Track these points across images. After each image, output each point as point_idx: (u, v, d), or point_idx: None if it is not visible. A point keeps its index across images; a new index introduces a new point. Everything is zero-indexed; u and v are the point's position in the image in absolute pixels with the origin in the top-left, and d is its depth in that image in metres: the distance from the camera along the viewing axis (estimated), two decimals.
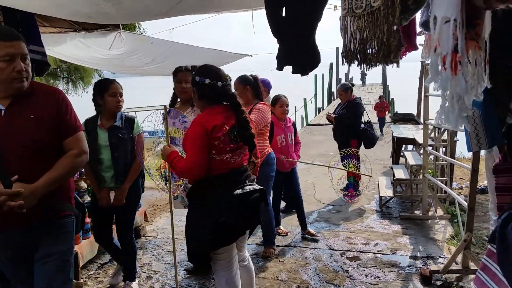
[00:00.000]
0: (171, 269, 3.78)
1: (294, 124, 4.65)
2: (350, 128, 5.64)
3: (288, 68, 2.49)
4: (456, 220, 4.54)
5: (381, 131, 12.10)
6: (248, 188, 2.39)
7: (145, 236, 4.65)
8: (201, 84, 2.37)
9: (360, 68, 1.83)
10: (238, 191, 2.33)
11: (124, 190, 3.10)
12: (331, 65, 29.25)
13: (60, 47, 4.88)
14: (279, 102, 4.32)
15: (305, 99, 18.42)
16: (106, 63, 5.41)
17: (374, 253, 3.98)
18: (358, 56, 1.78)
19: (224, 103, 2.45)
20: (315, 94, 22.22)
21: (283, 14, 2.39)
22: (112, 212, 3.22)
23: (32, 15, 3.19)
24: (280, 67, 2.48)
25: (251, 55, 6.74)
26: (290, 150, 4.38)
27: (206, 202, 2.35)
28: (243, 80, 3.69)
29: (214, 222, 2.25)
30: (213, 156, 2.32)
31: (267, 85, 4.62)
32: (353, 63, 1.83)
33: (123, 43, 4.75)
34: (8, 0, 2.79)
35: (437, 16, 1.42)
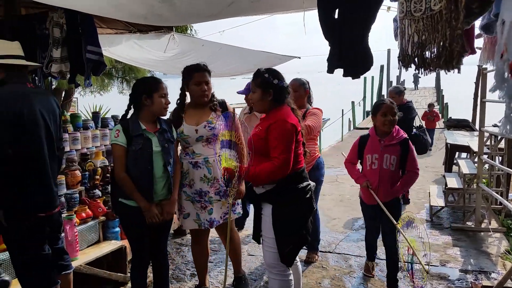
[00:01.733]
0: (215, 268, 3.82)
1: (406, 144, 3.20)
2: None
3: (336, 70, 2.45)
4: None
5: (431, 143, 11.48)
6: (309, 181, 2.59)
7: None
8: (279, 87, 2.51)
9: (419, 73, 1.75)
10: (310, 184, 2.57)
11: (174, 201, 2.80)
12: (381, 67, 28.43)
13: (116, 48, 5.08)
14: (382, 109, 3.19)
15: (353, 102, 18.00)
16: (159, 64, 5.58)
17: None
18: (416, 60, 1.70)
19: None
20: (364, 97, 21.68)
21: (336, 16, 2.35)
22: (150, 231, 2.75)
23: (91, 17, 3.34)
24: (331, 70, 2.44)
25: (299, 57, 6.69)
26: (381, 179, 3.18)
27: (296, 196, 2.49)
28: (304, 83, 3.67)
29: (304, 215, 2.49)
30: (296, 150, 2.48)
31: None
32: (410, 67, 1.76)
33: (176, 45, 4.88)
34: (70, 2, 2.93)
35: (506, 20, 1.33)
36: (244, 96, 4.27)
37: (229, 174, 2.54)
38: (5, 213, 2.39)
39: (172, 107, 2.93)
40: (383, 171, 3.18)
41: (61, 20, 3.36)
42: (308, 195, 2.50)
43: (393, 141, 3.19)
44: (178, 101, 3.04)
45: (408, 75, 33.38)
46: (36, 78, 3.87)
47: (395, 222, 2.97)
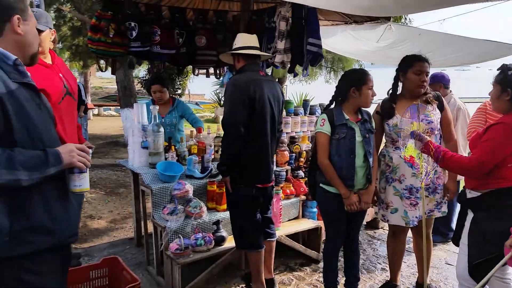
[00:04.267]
0: (407, 269, 3.68)
1: None
2: None
3: None
4: None
5: None
6: None
7: (383, 228, 4.66)
8: None
9: None
10: None
11: (372, 191, 2.83)
12: None
13: (330, 39, 5.29)
14: None
15: None
16: (370, 55, 5.56)
17: None
18: None
19: None
20: None
21: None
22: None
23: (315, 10, 3.57)
24: None
25: None
26: None
27: (498, 211, 2.26)
28: None
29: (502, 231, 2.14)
30: (509, 165, 2.22)
31: (439, 79, 3.97)
32: None
33: (391, 34, 4.77)
34: None
35: None
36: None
37: (412, 164, 2.53)
38: (231, 181, 2.86)
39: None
40: None
41: (287, 14, 3.71)
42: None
43: None
44: (390, 91, 2.99)
45: None
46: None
47: None
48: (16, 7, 1.49)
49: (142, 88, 12.69)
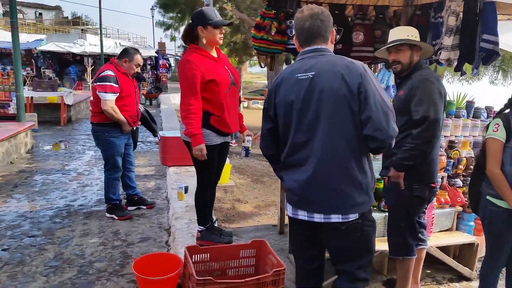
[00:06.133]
0: None
1: None
2: None
3: None
4: None
5: None
6: None
7: None
8: None
9: None
10: None
11: None
12: None
13: (504, 35, 4.68)
14: None
15: None
16: None
17: None
18: None
19: None
20: None
21: None
22: None
23: (494, 4, 3.20)
24: None
25: None
26: None
27: None
28: None
29: None
30: None
31: None
32: None
33: None
34: None
35: None
36: None
37: None
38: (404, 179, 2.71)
39: None
40: None
41: (457, 8, 3.41)
42: None
43: None
44: None
45: None
46: None
47: None
48: None
49: None
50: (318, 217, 2.00)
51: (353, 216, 1.97)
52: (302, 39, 2.12)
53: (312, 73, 1.97)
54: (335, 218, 1.97)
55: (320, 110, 1.94)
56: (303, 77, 1.99)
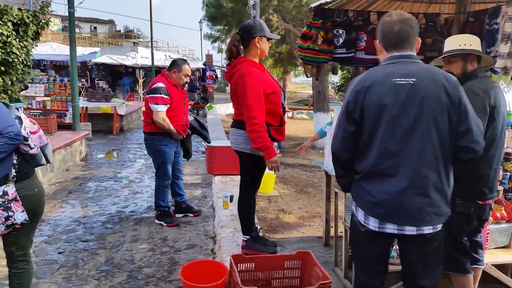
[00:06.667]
0: None
1: None
2: None
3: None
4: None
5: None
6: None
7: None
8: None
9: None
10: None
11: None
12: None
13: None
14: None
15: None
16: None
17: None
18: None
19: None
20: None
21: None
22: None
23: None
24: None
25: None
26: None
27: None
28: None
29: None
30: None
31: None
32: None
33: None
34: None
35: None
36: None
37: None
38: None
39: None
40: None
41: None
42: None
43: None
44: None
45: None
46: None
47: None
48: None
49: (334, 94, 13.03)
50: (409, 230, 1.96)
51: (439, 227, 1.99)
52: (389, 42, 2.08)
53: (413, 79, 1.93)
54: (427, 229, 1.96)
55: (420, 117, 1.91)
56: (403, 82, 1.94)
